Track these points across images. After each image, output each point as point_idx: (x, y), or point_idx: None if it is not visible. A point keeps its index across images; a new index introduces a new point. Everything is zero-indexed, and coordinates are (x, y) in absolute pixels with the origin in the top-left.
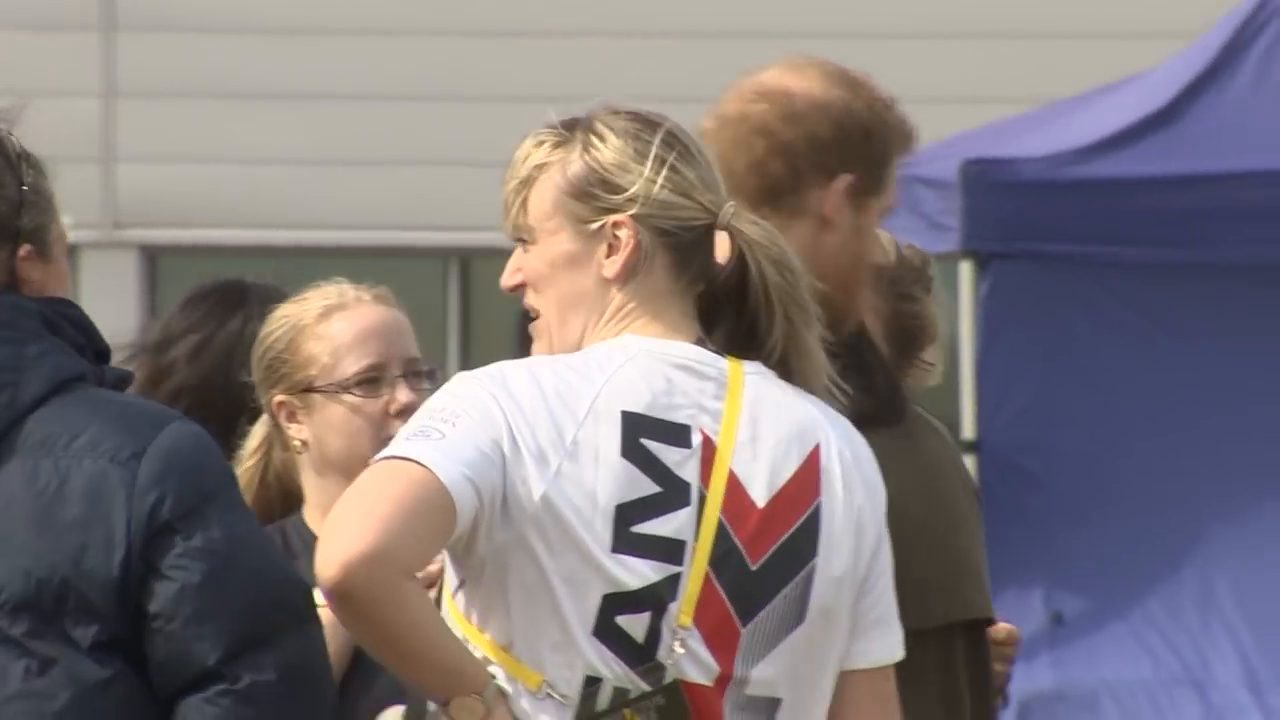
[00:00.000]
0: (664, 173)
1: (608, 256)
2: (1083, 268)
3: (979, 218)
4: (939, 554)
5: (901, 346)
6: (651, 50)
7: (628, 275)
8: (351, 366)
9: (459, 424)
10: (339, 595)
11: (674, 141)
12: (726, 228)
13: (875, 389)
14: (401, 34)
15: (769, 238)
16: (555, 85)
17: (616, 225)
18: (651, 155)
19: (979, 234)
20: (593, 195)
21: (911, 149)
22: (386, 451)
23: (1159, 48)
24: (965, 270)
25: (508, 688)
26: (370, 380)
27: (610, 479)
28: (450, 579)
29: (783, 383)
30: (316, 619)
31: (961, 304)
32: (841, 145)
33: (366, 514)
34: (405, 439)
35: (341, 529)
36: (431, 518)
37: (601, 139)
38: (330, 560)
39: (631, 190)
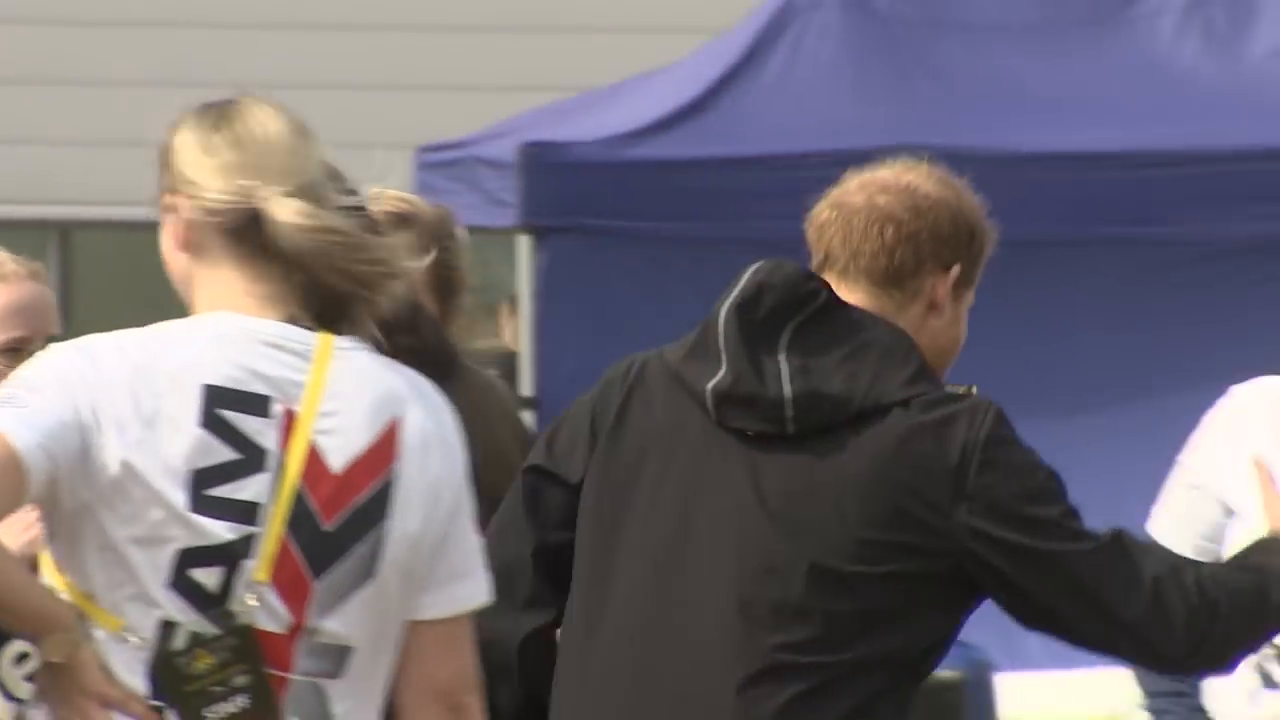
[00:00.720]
0: (205, 156)
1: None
2: (630, 241)
3: (536, 195)
4: (497, 500)
5: (443, 295)
6: (266, 39)
7: (191, 251)
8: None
9: (43, 394)
10: None
11: (222, 124)
12: (262, 210)
13: (427, 348)
14: (9, 21)
15: (311, 218)
16: (145, 70)
17: (172, 203)
18: (199, 138)
19: (536, 210)
20: (164, 174)
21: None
22: None
23: (690, 41)
24: (524, 243)
25: (95, 632)
26: (13, 350)
27: (186, 447)
28: (45, 532)
29: (376, 357)
30: None
31: (520, 274)
32: (956, 240)
33: None
34: None
35: None
36: (4, 480)
37: (182, 122)
38: None
39: (178, 170)
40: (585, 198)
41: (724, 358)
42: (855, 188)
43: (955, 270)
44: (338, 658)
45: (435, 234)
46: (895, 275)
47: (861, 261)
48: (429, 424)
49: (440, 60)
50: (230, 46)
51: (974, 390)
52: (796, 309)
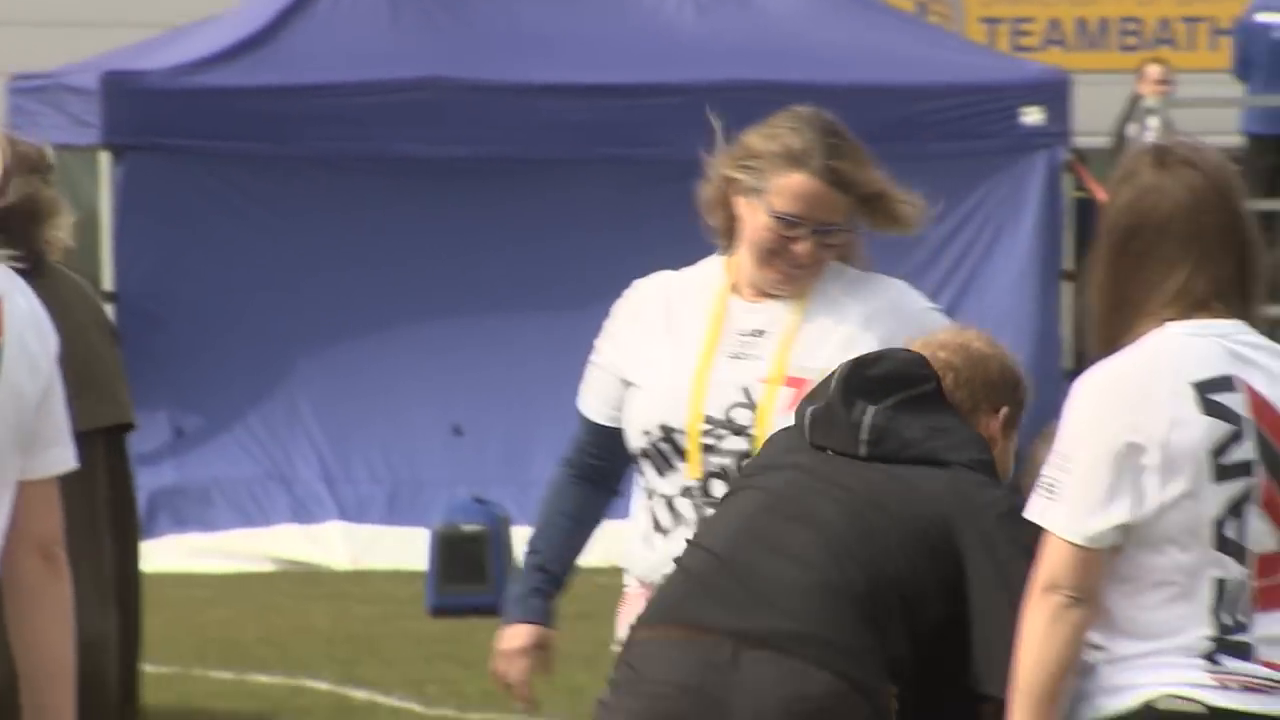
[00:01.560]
0: None
1: None
2: (198, 158)
3: (115, 117)
4: (81, 375)
5: (37, 220)
6: None
7: None
8: None
9: None
10: None
11: None
12: None
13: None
14: None
15: None
16: None
17: None
18: None
19: (115, 130)
20: None
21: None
22: None
23: None
24: (105, 159)
25: None
26: None
27: None
28: None
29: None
30: None
31: (102, 187)
32: (1004, 387)
33: None
34: None
35: None
36: None
37: None
38: None
39: None
40: (159, 120)
41: (829, 394)
42: (919, 344)
43: (1005, 411)
44: None
45: (34, 168)
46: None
47: None
48: (25, 308)
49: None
50: None
51: None
52: (906, 384)
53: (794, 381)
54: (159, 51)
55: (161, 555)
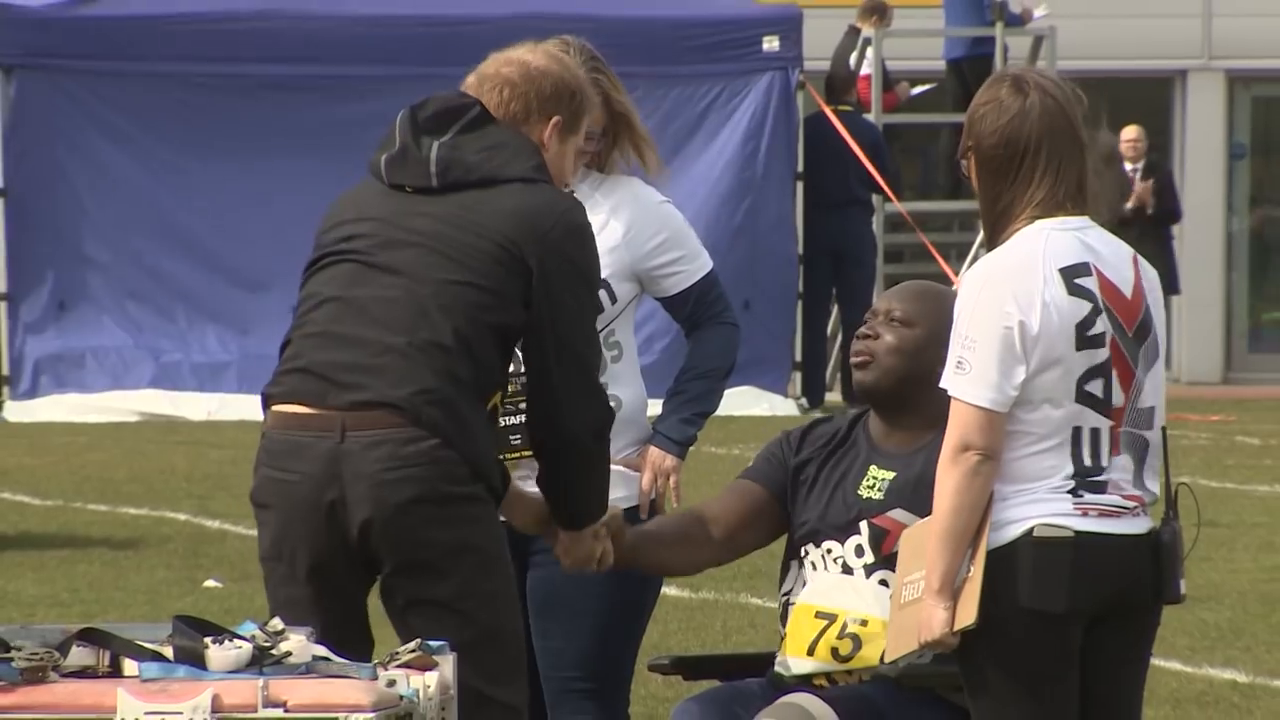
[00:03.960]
0: None
1: None
2: (74, 75)
3: (3, 41)
4: None
5: None
6: None
7: None
8: None
9: None
10: None
11: None
12: None
13: None
14: None
15: None
16: None
17: None
18: None
19: (3, 52)
20: None
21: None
22: None
23: None
24: None
25: None
26: None
27: None
28: None
29: None
30: None
31: None
32: (555, 98)
33: None
34: None
35: None
36: None
37: None
38: None
39: None
40: (40, 44)
41: (397, 139)
42: (490, 63)
43: (557, 120)
44: None
45: None
46: (512, 123)
47: (495, 107)
48: None
49: None
50: None
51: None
52: (457, 114)
53: None
54: None
55: (45, 410)
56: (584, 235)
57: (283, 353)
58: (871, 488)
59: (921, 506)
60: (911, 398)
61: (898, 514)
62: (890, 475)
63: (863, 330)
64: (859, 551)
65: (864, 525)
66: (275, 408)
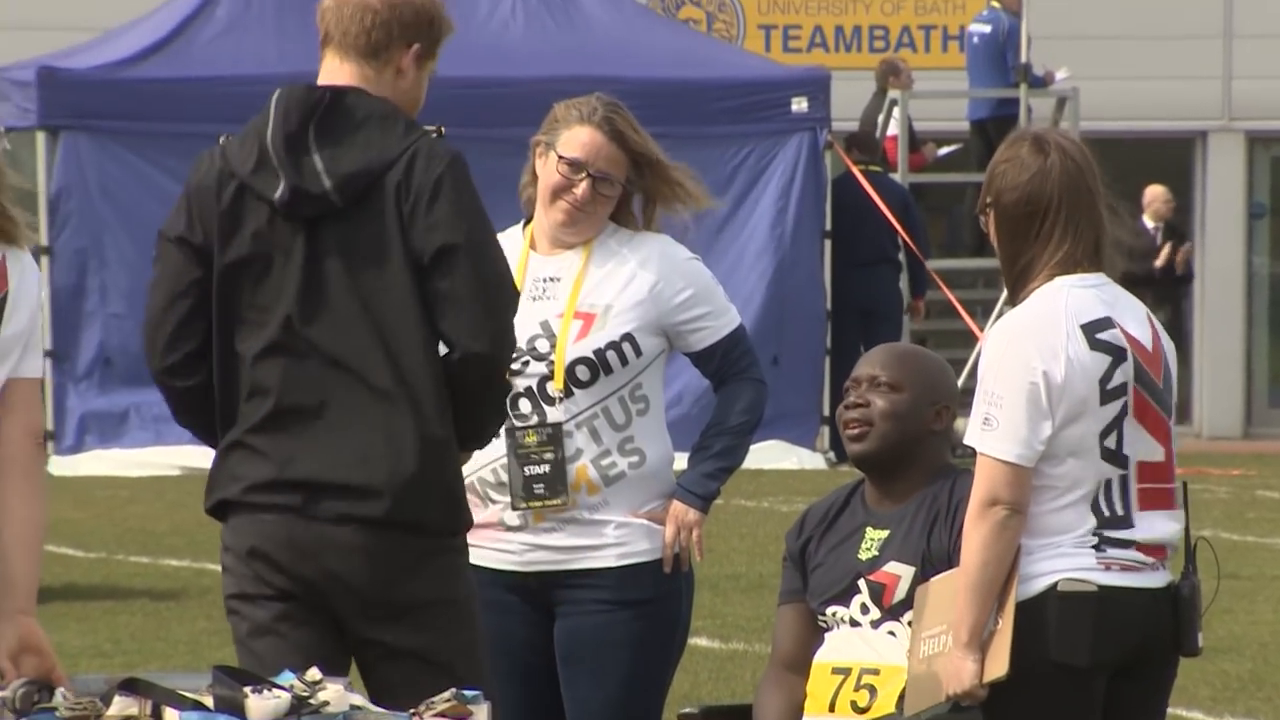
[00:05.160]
0: None
1: None
2: (118, 136)
3: (51, 104)
4: None
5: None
6: None
7: None
8: None
9: None
10: None
11: None
12: None
13: None
14: None
15: None
16: None
17: None
18: None
19: (51, 114)
20: None
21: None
22: None
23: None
24: (41, 138)
25: None
26: None
27: None
28: None
29: None
30: None
31: (39, 160)
32: (415, 25)
33: None
34: None
35: None
36: None
37: None
38: None
39: None
40: (85, 106)
41: (280, 172)
42: None
43: (416, 47)
44: None
45: None
46: (373, 50)
47: (348, 39)
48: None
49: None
50: None
51: (441, 130)
52: (312, 111)
53: (583, 315)
54: (86, 52)
55: (89, 465)
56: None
57: None
58: (868, 549)
59: (911, 554)
60: (904, 459)
61: (891, 566)
62: (884, 534)
63: (852, 400)
64: (864, 609)
65: (862, 584)
66: None
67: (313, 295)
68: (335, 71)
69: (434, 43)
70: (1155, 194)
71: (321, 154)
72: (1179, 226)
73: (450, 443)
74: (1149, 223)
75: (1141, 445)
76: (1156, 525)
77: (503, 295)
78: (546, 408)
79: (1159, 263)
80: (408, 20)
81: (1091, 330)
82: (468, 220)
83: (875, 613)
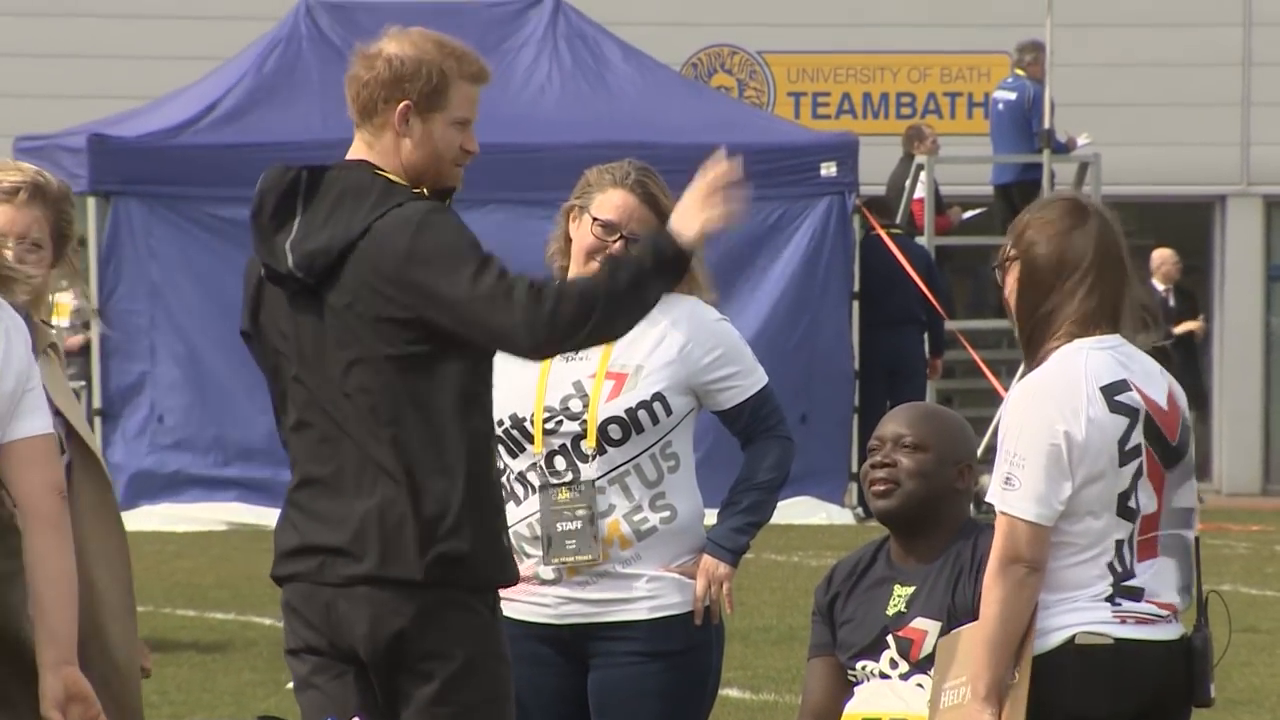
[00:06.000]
0: None
1: None
2: (165, 200)
3: (102, 170)
4: None
5: (58, 243)
6: None
7: None
8: None
9: None
10: None
11: None
12: None
13: None
14: None
15: None
16: None
17: None
18: None
19: (102, 180)
20: None
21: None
22: None
23: (202, 66)
24: (91, 203)
25: None
26: None
27: None
28: None
29: None
30: None
31: (90, 224)
32: (397, 83)
33: None
34: None
35: None
36: None
37: None
38: None
39: None
40: (132, 172)
41: (259, 252)
42: (363, 49)
43: (405, 104)
44: None
45: (59, 201)
46: (365, 116)
47: (352, 113)
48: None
49: (32, 74)
50: None
51: (425, 191)
52: (287, 191)
53: (615, 375)
54: (135, 119)
55: (137, 520)
56: (413, 223)
57: None
58: (895, 605)
59: (937, 609)
60: (929, 517)
61: (918, 622)
62: (911, 590)
63: (878, 459)
64: (893, 664)
65: (890, 639)
66: None
67: (313, 369)
68: (353, 145)
69: (429, 94)
70: (1164, 256)
71: (295, 233)
72: (1188, 288)
73: (451, 504)
74: (1159, 285)
75: (1146, 500)
76: (1146, 574)
77: (495, 298)
78: (580, 465)
79: (1177, 331)
80: (386, 79)
81: (1110, 392)
82: (438, 264)
83: (904, 666)
